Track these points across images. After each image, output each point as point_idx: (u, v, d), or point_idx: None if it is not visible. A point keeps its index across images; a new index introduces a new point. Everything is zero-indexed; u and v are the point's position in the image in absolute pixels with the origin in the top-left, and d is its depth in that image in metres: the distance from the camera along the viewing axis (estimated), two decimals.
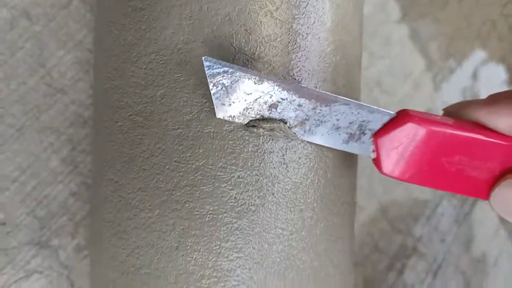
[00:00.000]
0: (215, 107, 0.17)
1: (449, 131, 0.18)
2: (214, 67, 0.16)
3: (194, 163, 0.18)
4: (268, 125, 0.18)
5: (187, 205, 0.18)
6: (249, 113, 0.18)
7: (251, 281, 0.17)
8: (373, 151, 0.19)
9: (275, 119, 0.18)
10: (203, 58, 0.16)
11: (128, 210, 0.19)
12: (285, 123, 0.18)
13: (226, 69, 0.17)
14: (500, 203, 0.19)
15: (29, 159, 0.31)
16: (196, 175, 0.18)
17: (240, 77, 0.17)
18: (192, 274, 0.18)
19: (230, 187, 0.18)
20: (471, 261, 0.41)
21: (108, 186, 0.20)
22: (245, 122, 0.18)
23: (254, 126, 0.18)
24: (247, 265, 0.17)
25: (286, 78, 0.19)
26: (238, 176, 0.18)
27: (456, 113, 0.20)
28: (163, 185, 0.18)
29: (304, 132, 0.18)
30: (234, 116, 0.18)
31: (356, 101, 0.18)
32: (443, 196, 0.41)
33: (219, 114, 0.18)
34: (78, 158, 0.32)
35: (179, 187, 0.18)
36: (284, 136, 0.18)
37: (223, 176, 0.18)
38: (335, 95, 0.18)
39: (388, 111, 0.18)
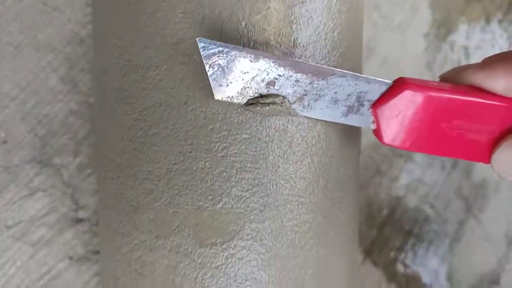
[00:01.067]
0: (212, 88, 0.17)
1: (447, 95, 0.18)
2: (209, 47, 0.16)
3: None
4: (268, 100, 0.18)
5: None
6: (247, 92, 0.18)
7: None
8: (373, 121, 0.19)
9: (274, 94, 0.18)
10: (197, 39, 0.16)
11: (134, 72, 0.19)
12: (283, 97, 0.18)
13: (221, 48, 0.16)
14: (501, 165, 0.19)
15: (28, 77, 0.31)
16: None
17: (236, 56, 0.17)
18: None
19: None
20: (471, 187, 0.42)
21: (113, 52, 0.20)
22: (244, 102, 0.18)
23: (253, 103, 0.18)
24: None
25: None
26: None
27: (452, 78, 0.20)
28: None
29: (303, 107, 0.18)
30: (232, 97, 0.18)
31: (353, 73, 0.18)
32: None
33: (217, 96, 0.17)
34: (77, 77, 0.31)
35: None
36: (286, 110, 0.18)
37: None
38: (331, 68, 0.18)
39: (385, 81, 0.18)
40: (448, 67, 0.41)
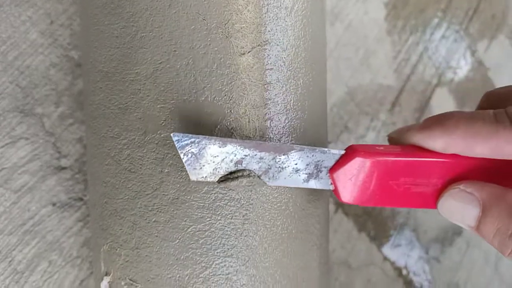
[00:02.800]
0: (188, 172, 0.20)
1: (391, 158, 0.21)
2: (182, 140, 0.19)
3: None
4: (237, 175, 0.20)
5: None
6: (218, 171, 0.20)
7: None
8: (331, 183, 0.22)
9: (242, 169, 0.21)
10: (171, 134, 0.19)
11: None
12: (251, 174, 0.21)
13: (193, 139, 0.19)
14: (445, 211, 0.22)
15: (8, 31, 0.32)
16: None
17: (206, 144, 0.19)
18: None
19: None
20: None
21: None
22: (216, 180, 0.20)
23: (224, 180, 0.20)
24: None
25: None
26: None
27: (397, 139, 0.23)
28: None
29: (269, 179, 0.21)
30: (206, 176, 0.20)
31: (308, 147, 0.21)
32: (405, 84, 0.44)
33: (192, 177, 0.20)
34: (57, 31, 0.33)
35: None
36: (253, 183, 0.21)
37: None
38: (290, 144, 0.21)
39: (337, 150, 0.21)
40: (406, 33, 0.44)
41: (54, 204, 0.31)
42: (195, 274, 0.20)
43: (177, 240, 0.20)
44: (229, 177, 0.20)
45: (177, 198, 0.20)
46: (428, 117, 0.22)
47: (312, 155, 0.21)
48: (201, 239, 0.20)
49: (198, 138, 0.19)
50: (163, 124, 0.20)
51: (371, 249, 0.41)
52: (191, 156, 0.20)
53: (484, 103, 0.25)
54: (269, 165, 0.21)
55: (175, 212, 0.20)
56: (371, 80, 0.43)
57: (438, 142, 0.21)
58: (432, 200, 0.22)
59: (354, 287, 0.40)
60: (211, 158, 0.20)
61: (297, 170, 0.21)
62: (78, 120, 0.32)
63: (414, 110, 0.44)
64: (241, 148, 0.20)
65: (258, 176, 0.21)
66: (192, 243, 0.20)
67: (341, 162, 0.21)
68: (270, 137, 0.21)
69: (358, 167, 0.21)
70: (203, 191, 0.20)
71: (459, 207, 0.21)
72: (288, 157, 0.21)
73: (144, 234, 0.21)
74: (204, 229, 0.20)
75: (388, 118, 0.43)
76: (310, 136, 0.23)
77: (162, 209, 0.20)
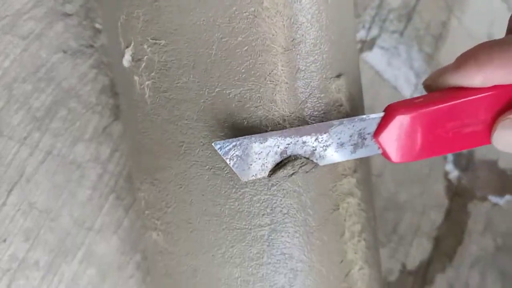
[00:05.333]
0: (237, 174, 0.20)
1: (433, 108, 0.21)
2: (225, 146, 0.20)
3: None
4: (284, 164, 0.21)
5: None
6: (266, 166, 0.21)
7: None
8: (378, 148, 0.21)
9: (289, 157, 0.21)
10: (212, 143, 0.19)
11: None
12: (298, 158, 0.21)
13: (234, 143, 0.20)
14: (502, 144, 0.21)
15: None
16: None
17: (248, 144, 0.20)
18: None
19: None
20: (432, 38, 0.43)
21: None
22: (267, 175, 0.21)
23: (274, 172, 0.21)
24: None
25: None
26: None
27: (433, 85, 0.22)
28: None
29: (317, 159, 0.21)
30: (256, 174, 0.21)
31: (347, 119, 0.21)
32: None
33: (243, 178, 0.20)
34: None
35: None
36: (305, 165, 0.21)
37: None
38: (329, 122, 0.21)
39: (376, 114, 0.21)
40: None
41: (65, 52, 0.30)
42: None
43: None
44: (277, 168, 0.21)
45: None
46: (459, 56, 0.21)
47: (353, 126, 0.21)
48: None
49: (238, 140, 0.20)
50: None
51: None
52: (237, 159, 0.20)
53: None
54: (313, 146, 0.21)
55: None
56: None
57: (476, 78, 0.20)
58: (485, 136, 0.22)
59: None
60: (256, 155, 0.20)
61: (342, 144, 0.21)
62: None
63: None
64: (282, 138, 0.20)
65: (306, 158, 0.21)
66: None
67: (383, 124, 0.21)
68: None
69: (401, 125, 0.21)
70: None
71: None
72: (329, 134, 0.21)
73: None
74: None
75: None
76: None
77: None
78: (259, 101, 0.20)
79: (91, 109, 0.30)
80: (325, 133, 0.21)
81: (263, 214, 0.21)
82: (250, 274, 0.21)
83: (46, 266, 0.29)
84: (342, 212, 0.22)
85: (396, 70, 0.40)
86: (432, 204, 0.40)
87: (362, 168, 0.24)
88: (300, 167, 0.21)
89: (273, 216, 0.21)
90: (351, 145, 0.21)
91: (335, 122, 0.21)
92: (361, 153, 0.21)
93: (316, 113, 0.22)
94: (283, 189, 0.21)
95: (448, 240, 0.40)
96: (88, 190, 0.30)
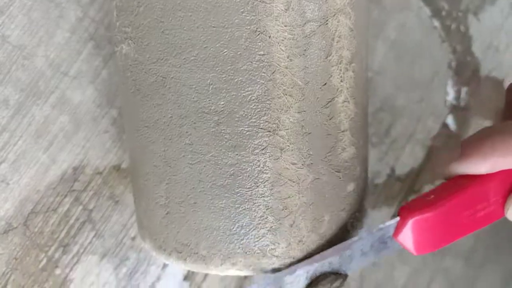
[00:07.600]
0: None
1: (445, 204, 0.22)
2: (261, 285, 0.22)
3: None
4: (316, 284, 0.22)
5: None
6: None
7: None
8: (399, 245, 0.23)
9: (319, 278, 0.22)
10: (248, 287, 0.22)
11: None
12: (327, 276, 0.22)
13: (268, 281, 0.22)
14: None
15: None
16: None
17: (279, 279, 0.22)
18: None
19: None
20: None
21: None
22: None
23: None
24: None
25: None
26: None
27: (443, 175, 0.24)
28: None
29: (343, 270, 0.23)
30: None
31: (365, 232, 0.23)
32: None
33: None
34: None
35: None
36: (335, 280, 0.22)
37: None
38: (348, 241, 0.23)
39: (392, 221, 0.22)
40: None
41: None
42: None
43: None
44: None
45: None
46: (464, 145, 0.23)
47: (372, 237, 0.22)
48: None
49: (270, 278, 0.22)
50: None
51: None
52: None
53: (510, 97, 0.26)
54: (339, 262, 0.22)
55: None
56: None
57: (482, 167, 0.22)
58: (499, 213, 0.23)
59: (386, 28, 0.37)
60: (288, 285, 0.22)
61: (365, 253, 0.23)
62: None
63: None
64: (309, 267, 0.22)
65: (333, 274, 0.22)
66: None
67: (400, 225, 0.22)
68: None
69: (416, 226, 0.22)
70: None
71: None
72: (351, 249, 0.22)
73: None
74: None
75: None
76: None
77: None
78: None
79: None
80: (347, 249, 0.22)
81: None
82: (223, 81, 0.20)
83: (16, 105, 0.27)
84: (331, 28, 0.20)
85: None
86: (430, 112, 0.38)
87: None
88: (331, 285, 0.22)
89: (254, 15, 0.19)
90: (374, 251, 0.23)
91: (355, 239, 0.22)
92: (385, 253, 0.23)
93: None
94: None
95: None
96: (67, 33, 0.28)
